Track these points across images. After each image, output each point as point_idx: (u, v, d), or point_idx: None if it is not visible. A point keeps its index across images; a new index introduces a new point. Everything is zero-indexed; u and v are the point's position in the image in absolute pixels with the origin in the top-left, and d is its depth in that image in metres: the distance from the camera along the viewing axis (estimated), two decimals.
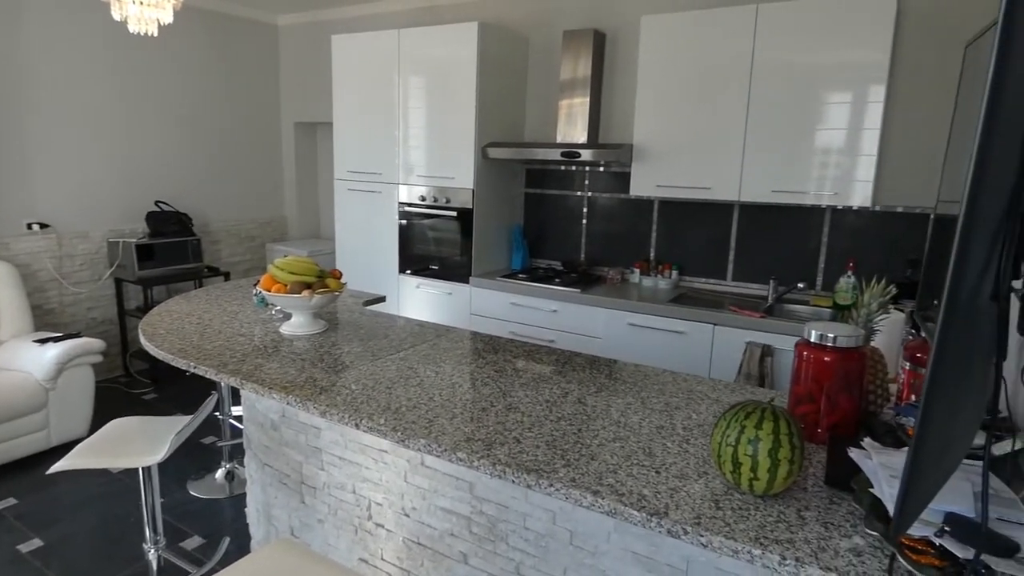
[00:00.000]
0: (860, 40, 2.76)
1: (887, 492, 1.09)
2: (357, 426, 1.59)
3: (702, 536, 1.11)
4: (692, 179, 3.23)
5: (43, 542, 2.65)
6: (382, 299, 3.01)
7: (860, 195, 2.86)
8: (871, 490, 1.13)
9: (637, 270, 3.68)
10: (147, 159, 4.49)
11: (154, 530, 2.19)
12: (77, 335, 3.48)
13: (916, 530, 0.99)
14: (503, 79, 3.82)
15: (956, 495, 1.06)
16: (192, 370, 1.96)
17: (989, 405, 0.74)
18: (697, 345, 3.04)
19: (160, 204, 4.51)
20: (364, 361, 2.01)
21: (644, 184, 3.37)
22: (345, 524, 2.12)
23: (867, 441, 1.29)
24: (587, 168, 3.91)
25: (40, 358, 3.27)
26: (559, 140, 3.70)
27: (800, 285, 3.28)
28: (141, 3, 2.19)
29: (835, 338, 1.38)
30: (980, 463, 1.07)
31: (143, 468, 2.08)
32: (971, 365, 0.72)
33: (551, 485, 1.28)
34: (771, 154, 3.01)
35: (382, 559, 2.04)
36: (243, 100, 5.06)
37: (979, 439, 1.18)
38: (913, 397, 1.50)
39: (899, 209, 3.06)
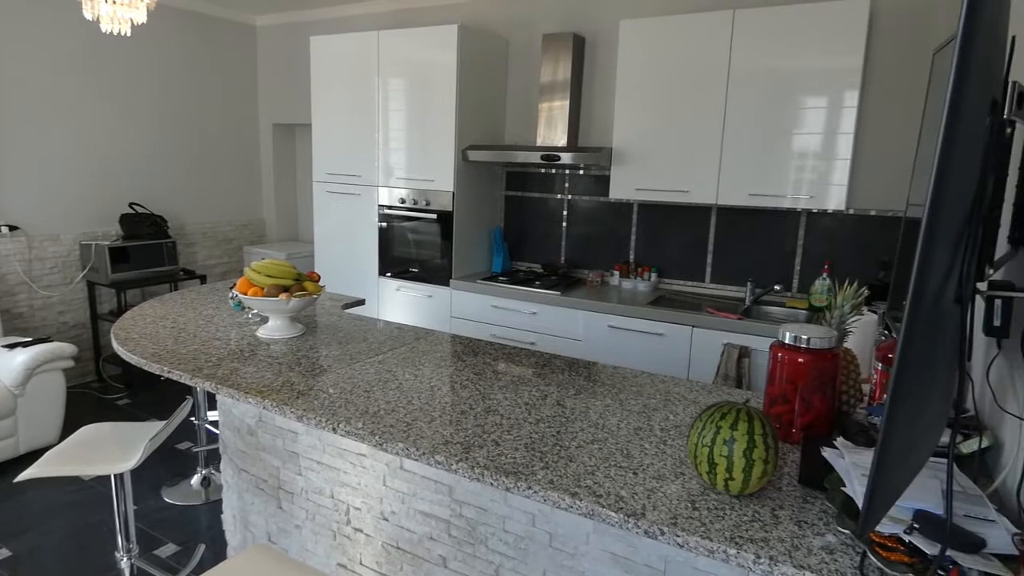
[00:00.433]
0: (834, 46, 2.81)
1: (858, 490, 1.11)
2: (335, 430, 1.58)
3: (678, 536, 1.12)
4: (670, 182, 3.26)
5: (11, 552, 2.58)
6: (361, 302, 2.99)
7: (835, 199, 2.91)
8: (843, 489, 1.15)
9: (617, 272, 3.70)
10: (121, 160, 4.41)
11: (127, 538, 2.15)
12: (47, 340, 3.41)
13: (886, 527, 1.01)
14: (483, 82, 3.82)
15: (925, 493, 1.08)
16: (166, 375, 1.93)
17: (954, 404, 0.76)
18: (676, 347, 3.07)
19: (134, 206, 4.44)
20: (342, 365, 2.00)
21: (623, 187, 3.40)
22: (323, 529, 2.10)
23: (840, 440, 1.31)
24: (567, 171, 3.93)
25: (8, 364, 3.20)
26: (539, 143, 3.71)
27: (777, 287, 3.33)
28: (114, 2, 2.15)
29: (809, 340, 1.40)
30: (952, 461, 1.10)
31: (115, 475, 2.04)
32: (936, 366, 0.74)
33: (529, 487, 1.28)
34: (748, 158, 3.05)
35: (361, 564, 2.02)
36: (220, 101, 5.00)
37: (947, 437, 1.21)
38: (885, 397, 1.53)
39: (872, 212, 3.12)
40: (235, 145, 5.17)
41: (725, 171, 3.11)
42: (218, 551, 2.58)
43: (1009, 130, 0.91)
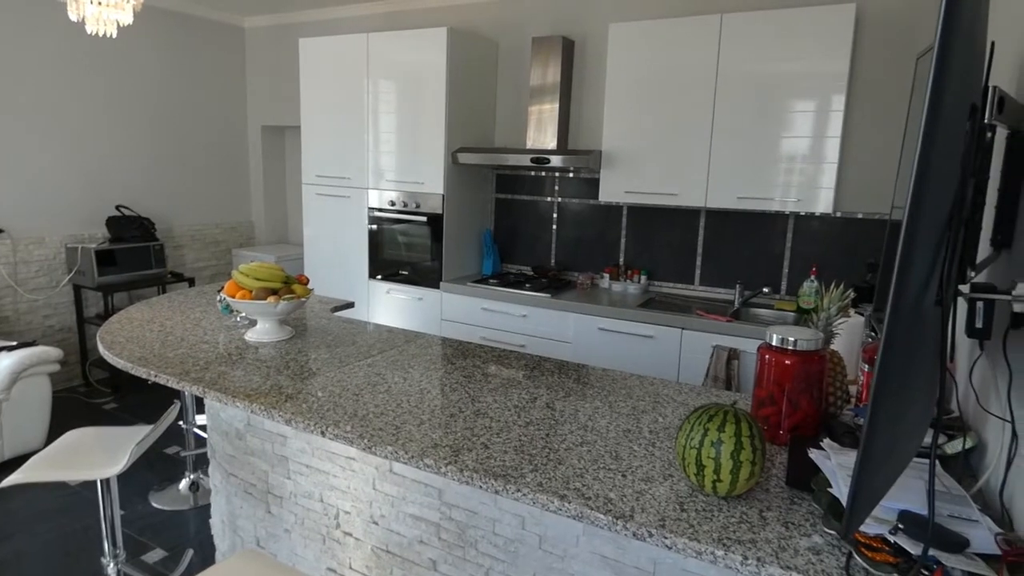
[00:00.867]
0: (821, 50, 2.84)
1: (844, 491, 1.12)
2: (323, 434, 1.57)
3: (667, 538, 1.13)
4: (659, 185, 3.27)
5: None
6: (351, 305, 2.98)
7: (823, 202, 2.94)
8: (829, 490, 1.16)
9: (607, 275, 3.71)
10: (108, 162, 4.38)
11: (113, 543, 2.13)
12: (32, 343, 3.37)
13: (871, 528, 1.02)
14: (473, 84, 3.82)
15: (910, 493, 1.09)
16: (153, 379, 1.92)
17: (936, 406, 0.77)
18: (666, 349, 3.08)
19: (121, 209, 4.40)
20: (331, 368, 1.99)
21: (613, 190, 3.41)
22: (313, 533, 2.09)
23: (827, 442, 1.32)
24: (557, 174, 3.94)
25: None
26: (529, 146, 3.72)
27: (765, 289, 3.35)
28: (99, 3, 2.14)
29: (795, 341, 1.41)
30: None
31: (101, 480, 2.02)
32: (918, 368, 0.75)
33: (518, 490, 1.28)
34: (736, 161, 3.07)
35: (350, 568, 2.01)
36: (209, 103, 4.98)
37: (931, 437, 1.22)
38: (867, 398, 1.54)
39: (859, 215, 3.15)
40: (224, 147, 5.14)
41: (714, 174, 3.13)
42: (206, 556, 2.56)
43: (990, 134, 0.93)
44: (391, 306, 3.97)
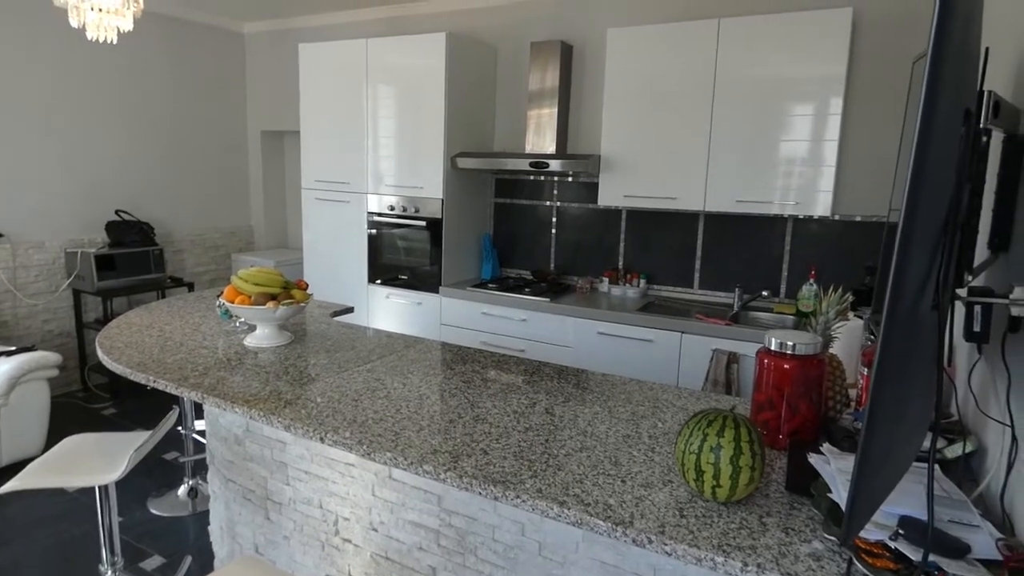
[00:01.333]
0: (818, 54, 2.84)
1: (844, 497, 1.12)
2: (322, 440, 1.57)
3: (666, 545, 1.12)
4: (658, 189, 3.27)
5: None
6: (350, 310, 2.98)
7: (821, 205, 2.94)
8: (829, 495, 1.16)
9: (606, 279, 3.71)
10: (108, 167, 4.38)
11: (111, 550, 2.12)
12: (31, 348, 3.37)
13: (871, 534, 1.02)
14: (472, 89, 3.83)
15: (910, 498, 1.09)
16: (152, 384, 1.91)
17: (934, 410, 0.77)
18: (665, 353, 3.07)
19: (121, 213, 4.41)
20: (330, 373, 1.99)
21: (612, 194, 3.41)
22: (312, 540, 2.08)
23: (826, 446, 1.31)
24: (556, 178, 3.94)
25: None
26: (528, 150, 3.72)
27: (764, 293, 3.35)
28: (100, 10, 2.14)
29: (794, 346, 1.41)
30: (934, 466, 1.11)
31: (100, 486, 2.02)
32: (915, 372, 0.74)
33: (518, 496, 1.28)
34: (734, 165, 3.08)
35: (350, 575, 2.01)
36: (208, 108, 4.99)
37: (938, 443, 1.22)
38: (865, 403, 1.54)
39: (857, 218, 3.15)
40: (223, 152, 5.15)
41: (712, 178, 3.13)
42: (205, 563, 2.56)
43: (985, 139, 0.93)
44: (391, 311, 3.97)
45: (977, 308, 0.99)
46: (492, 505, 1.66)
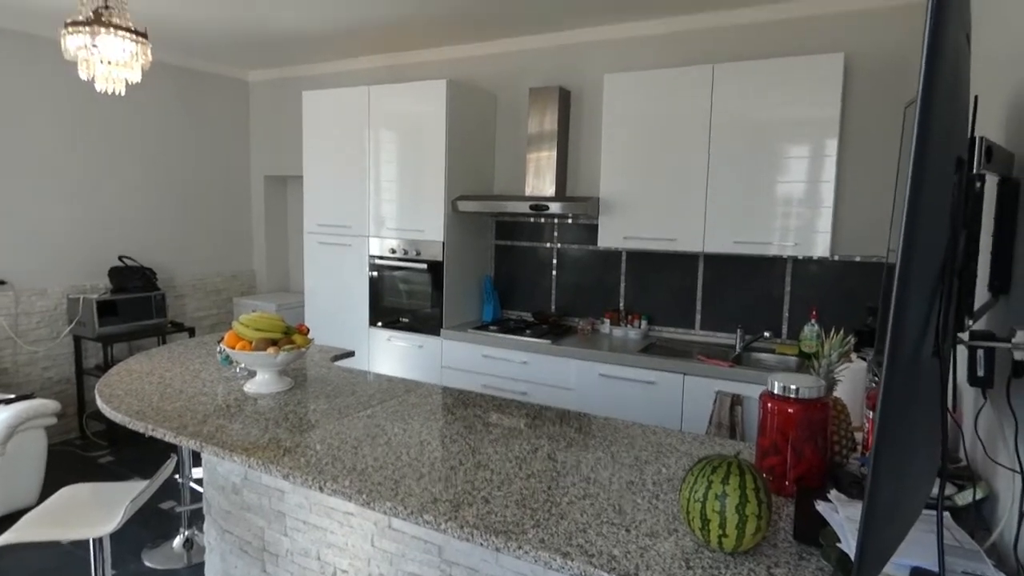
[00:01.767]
0: (812, 97, 2.90)
1: (854, 547, 1.09)
2: (321, 489, 1.54)
3: None
4: (657, 231, 3.30)
5: None
6: (351, 354, 2.97)
7: (820, 246, 2.95)
8: (839, 544, 1.13)
9: (607, 320, 3.70)
10: (112, 213, 4.43)
11: None
12: (30, 396, 3.35)
13: None
14: (472, 134, 3.90)
15: (921, 548, 1.06)
16: (150, 433, 1.89)
17: (941, 458, 0.76)
18: (668, 395, 3.05)
19: (124, 259, 4.44)
20: (330, 419, 1.97)
21: (611, 236, 3.43)
22: None
23: (833, 493, 1.29)
24: (556, 220, 3.98)
25: None
26: (528, 193, 3.77)
27: (766, 334, 3.33)
28: (109, 63, 2.20)
29: (797, 389, 1.40)
30: (945, 514, 1.08)
31: (94, 539, 1.98)
32: (919, 419, 0.74)
33: (520, 547, 1.25)
34: (732, 206, 3.10)
35: None
36: (213, 154, 5.07)
37: (946, 489, 1.19)
38: (869, 451, 1.52)
39: (857, 258, 3.16)
40: (227, 197, 5.21)
41: (711, 219, 3.16)
42: None
43: (979, 184, 0.94)
44: (392, 354, 3.95)
45: (980, 352, 0.98)
46: (494, 555, 1.62)
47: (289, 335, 2.26)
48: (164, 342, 4.42)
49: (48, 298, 4.12)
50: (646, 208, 3.32)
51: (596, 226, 3.53)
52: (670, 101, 3.21)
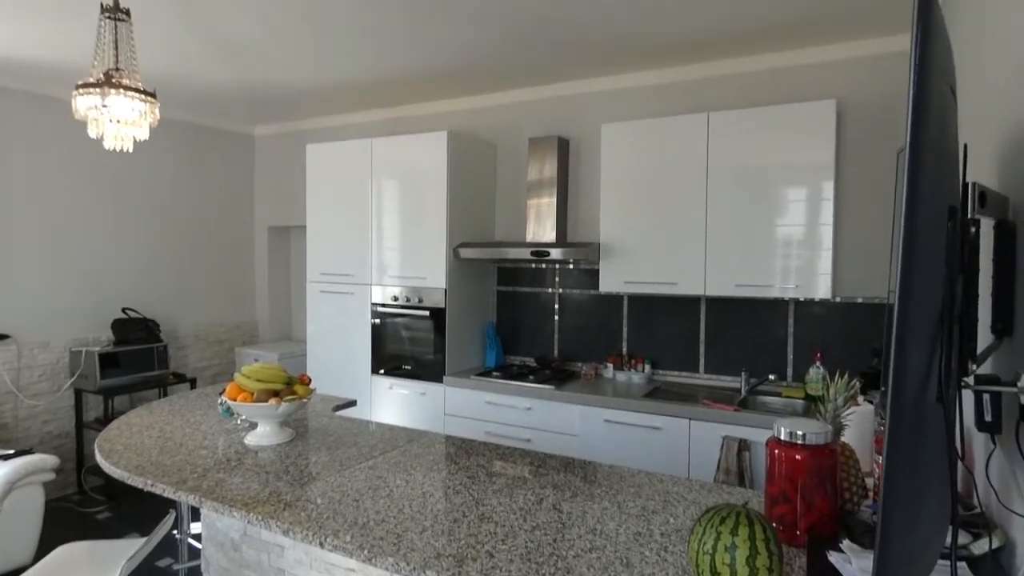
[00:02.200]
0: (806, 143, 2.95)
1: None
2: (322, 544, 1.51)
3: None
4: (658, 275, 3.31)
5: None
6: (353, 403, 2.95)
7: (822, 288, 2.96)
8: None
9: (611, 365, 3.68)
10: (116, 266, 4.47)
11: None
12: (29, 451, 3.31)
13: None
14: (473, 182, 3.96)
15: None
16: (149, 488, 1.87)
17: (951, 506, 0.74)
18: (674, 440, 3.00)
19: (127, 311, 4.45)
20: (332, 472, 1.94)
21: (612, 280, 3.45)
22: None
23: (846, 543, 1.26)
24: (557, 266, 4.00)
25: None
26: (529, 239, 3.80)
27: (771, 377, 3.31)
28: (118, 121, 2.26)
29: (804, 435, 1.38)
30: (961, 564, 1.06)
31: None
32: (927, 466, 0.73)
33: None
34: (732, 249, 3.12)
35: None
36: (217, 205, 5.15)
37: (961, 538, 1.17)
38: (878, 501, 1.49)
39: (859, 300, 3.16)
40: (230, 247, 5.26)
41: (711, 263, 3.17)
42: None
43: (974, 229, 0.95)
44: (394, 402, 3.92)
45: (986, 397, 0.97)
46: None
47: (291, 385, 2.25)
48: (165, 394, 4.40)
49: (51, 351, 4.12)
50: (646, 252, 3.34)
51: (597, 271, 3.55)
52: (667, 148, 3.27)
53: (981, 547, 1.17)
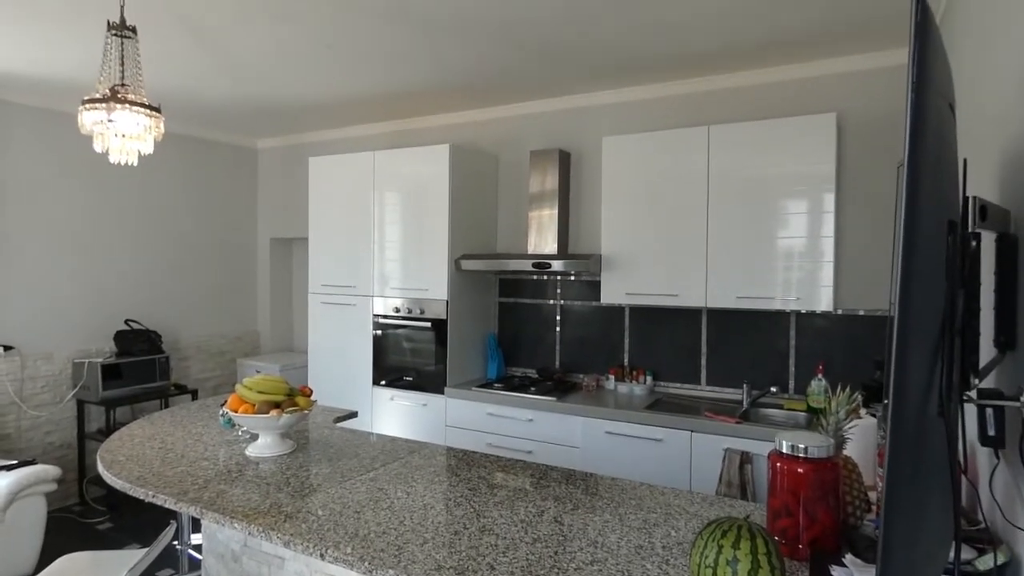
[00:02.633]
0: (807, 155, 2.96)
1: None
2: (323, 556, 1.51)
3: None
4: (659, 287, 3.31)
5: None
6: (354, 414, 2.94)
7: (824, 300, 2.95)
8: None
9: (612, 376, 3.67)
10: (119, 278, 4.48)
11: None
12: (32, 462, 3.31)
13: None
14: (474, 194, 3.98)
15: None
16: (150, 499, 1.86)
17: (953, 521, 0.74)
18: (676, 452, 2.99)
19: (130, 323, 4.46)
20: (332, 483, 1.94)
21: (614, 292, 3.45)
22: None
23: (849, 558, 1.25)
24: (558, 277, 4.00)
25: None
26: (530, 251, 3.81)
27: (773, 389, 3.30)
28: (123, 136, 2.28)
29: (806, 448, 1.38)
30: None
31: None
32: (929, 481, 0.73)
33: None
34: (733, 262, 3.13)
35: None
36: (220, 218, 5.17)
37: (965, 553, 1.16)
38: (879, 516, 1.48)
39: (861, 312, 3.16)
40: (233, 259, 5.28)
41: (712, 275, 3.18)
42: None
43: (974, 243, 0.95)
44: (395, 413, 3.92)
45: (989, 411, 0.97)
46: None
47: (292, 397, 2.25)
48: (167, 405, 4.39)
49: (54, 362, 4.13)
50: (648, 264, 3.34)
51: (598, 283, 3.56)
52: (667, 161, 3.28)
53: (986, 563, 1.17)
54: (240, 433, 2.46)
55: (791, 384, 3.31)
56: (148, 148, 2.34)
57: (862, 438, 1.84)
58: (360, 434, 2.51)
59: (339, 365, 4.18)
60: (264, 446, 2.21)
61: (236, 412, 2.16)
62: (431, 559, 1.44)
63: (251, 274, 5.44)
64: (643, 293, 3.36)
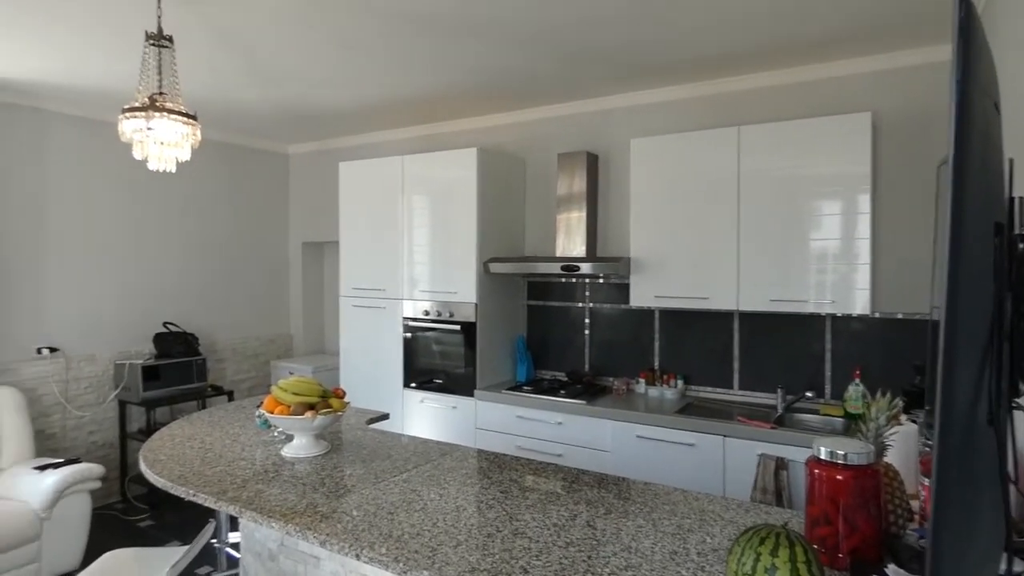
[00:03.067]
0: (840, 156, 2.91)
1: None
2: (358, 556, 1.53)
3: None
4: (690, 289, 3.28)
5: None
6: (386, 416, 2.98)
7: (860, 303, 2.89)
8: None
9: (643, 380, 3.65)
10: (158, 282, 4.61)
11: None
12: (77, 460, 3.41)
13: None
14: (503, 198, 3.99)
15: None
16: (191, 498, 1.91)
17: (1005, 531, 0.72)
18: (709, 457, 2.96)
19: (168, 325, 4.58)
20: (366, 484, 1.96)
21: (643, 295, 3.43)
22: None
23: (892, 568, 1.23)
24: (587, 280, 3.99)
25: (38, 486, 3.19)
26: (559, 254, 3.81)
27: (808, 394, 3.24)
28: (162, 144, 2.34)
29: (846, 455, 1.35)
30: None
31: None
32: (980, 490, 0.71)
33: None
34: (765, 264, 3.08)
35: None
36: (253, 222, 5.28)
37: (1017, 566, 1.13)
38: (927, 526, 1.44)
39: (899, 315, 3.09)
40: (266, 263, 5.39)
41: (744, 277, 3.13)
42: None
43: (1022, 244, 0.93)
44: (425, 415, 3.95)
45: None
46: None
47: (326, 399, 2.29)
48: (204, 406, 4.49)
49: (96, 364, 4.26)
50: (677, 267, 3.32)
51: (628, 285, 3.54)
52: (697, 162, 3.25)
53: None
54: (276, 434, 2.51)
55: (827, 389, 3.25)
56: (186, 155, 2.40)
57: (903, 445, 1.79)
58: (392, 436, 2.54)
59: (370, 367, 4.23)
60: (299, 447, 2.25)
61: (272, 413, 2.20)
62: (465, 561, 1.45)
63: (283, 277, 5.54)
64: (673, 296, 3.34)
